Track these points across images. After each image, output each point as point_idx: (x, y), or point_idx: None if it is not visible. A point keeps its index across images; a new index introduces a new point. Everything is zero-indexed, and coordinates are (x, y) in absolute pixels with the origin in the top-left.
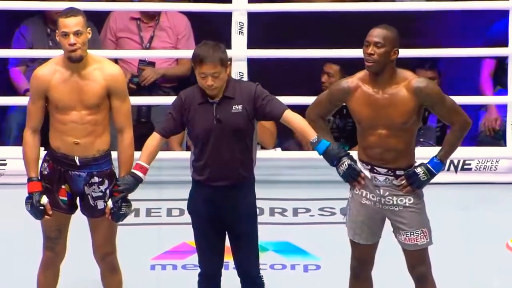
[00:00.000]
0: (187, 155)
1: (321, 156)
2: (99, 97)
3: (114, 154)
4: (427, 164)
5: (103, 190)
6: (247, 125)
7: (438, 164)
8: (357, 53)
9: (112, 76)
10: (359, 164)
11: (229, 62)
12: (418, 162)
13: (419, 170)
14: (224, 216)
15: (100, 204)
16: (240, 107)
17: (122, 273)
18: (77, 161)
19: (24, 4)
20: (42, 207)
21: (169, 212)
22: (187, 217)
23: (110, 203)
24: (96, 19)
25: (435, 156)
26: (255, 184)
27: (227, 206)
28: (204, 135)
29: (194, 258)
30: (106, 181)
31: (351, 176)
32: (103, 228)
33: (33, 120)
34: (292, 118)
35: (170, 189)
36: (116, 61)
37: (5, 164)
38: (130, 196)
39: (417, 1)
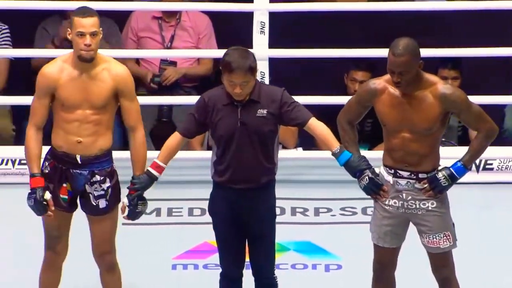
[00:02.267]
0: (208, 154)
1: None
2: (106, 97)
3: (119, 154)
4: (450, 168)
5: (105, 189)
6: (270, 130)
7: (461, 169)
8: (379, 52)
9: (120, 77)
10: (382, 170)
11: (257, 68)
12: (441, 163)
13: (440, 175)
14: (243, 218)
15: (102, 203)
16: (265, 111)
17: (144, 272)
18: (78, 159)
19: (46, 4)
20: (45, 203)
21: (190, 212)
22: (208, 217)
23: (126, 201)
24: (118, 19)
25: (459, 161)
26: (276, 185)
27: (247, 208)
28: (227, 137)
29: (215, 258)
30: (108, 180)
31: (372, 190)
32: (103, 227)
33: (37, 117)
34: (316, 126)
35: (191, 188)
36: (137, 60)
37: (26, 164)
38: (151, 195)
39: (439, 0)
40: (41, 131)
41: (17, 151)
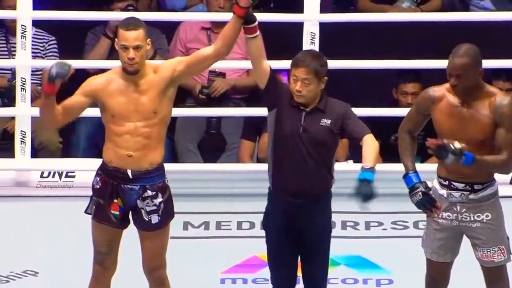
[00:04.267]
0: (257, 167)
1: (396, 169)
2: (155, 102)
3: (167, 167)
4: (464, 152)
5: (157, 204)
6: (331, 141)
7: (470, 159)
8: (432, 64)
9: (162, 66)
10: (435, 183)
11: (325, 78)
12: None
13: (452, 147)
14: (299, 230)
15: (155, 219)
16: (328, 121)
17: (192, 287)
18: (129, 174)
19: (94, 14)
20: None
21: (239, 225)
22: (257, 231)
23: None
24: (166, 30)
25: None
26: (331, 197)
27: (303, 220)
28: (288, 141)
29: (264, 272)
30: (160, 194)
31: (425, 206)
32: (155, 242)
33: (64, 103)
34: (366, 141)
35: (240, 201)
36: None
37: (73, 176)
38: (199, 208)
39: (490, 11)
40: (57, 111)
41: (64, 164)
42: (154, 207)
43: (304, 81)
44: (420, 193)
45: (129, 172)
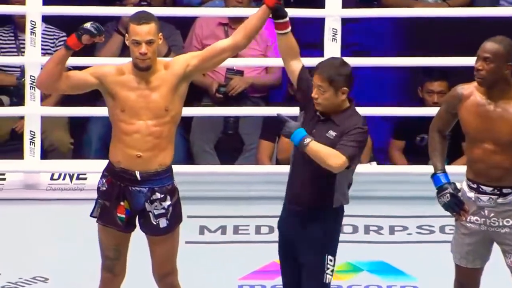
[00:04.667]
0: (276, 169)
1: (421, 171)
2: (166, 99)
3: (175, 169)
4: None
5: (165, 207)
6: None
7: None
8: (456, 61)
9: (174, 61)
10: (464, 185)
11: (345, 88)
12: None
13: None
14: (292, 240)
15: (163, 222)
16: (334, 134)
17: None
18: (138, 175)
19: (104, 10)
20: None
21: (257, 230)
22: (276, 235)
23: None
24: (182, 25)
25: None
26: (338, 215)
27: (294, 230)
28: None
29: None
30: (168, 197)
31: (452, 208)
32: (164, 247)
33: (71, 71)
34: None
35: (259, 205)
36: None
37: (85, 178)
38: (216, 212)
39: None
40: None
41: (75, 166)
42: (163, 211)
43: (319, 88)
44: (448, 194)
45: (137, 173)
